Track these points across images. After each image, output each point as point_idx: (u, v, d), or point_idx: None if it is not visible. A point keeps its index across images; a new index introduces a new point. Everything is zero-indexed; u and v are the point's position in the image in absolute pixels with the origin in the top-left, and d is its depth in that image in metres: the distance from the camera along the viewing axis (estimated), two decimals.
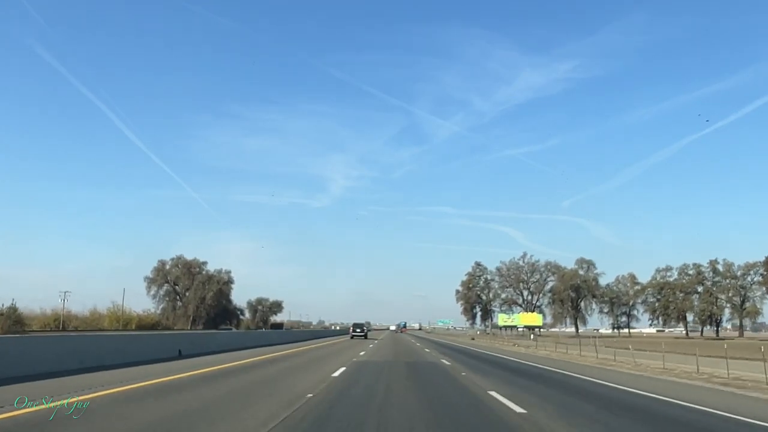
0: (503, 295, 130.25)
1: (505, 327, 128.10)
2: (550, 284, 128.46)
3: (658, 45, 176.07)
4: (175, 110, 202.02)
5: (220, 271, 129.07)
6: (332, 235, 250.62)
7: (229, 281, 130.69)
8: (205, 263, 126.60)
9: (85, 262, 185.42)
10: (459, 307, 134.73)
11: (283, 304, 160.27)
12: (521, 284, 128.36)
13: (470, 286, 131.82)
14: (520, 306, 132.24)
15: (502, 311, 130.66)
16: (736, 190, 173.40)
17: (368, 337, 64.95)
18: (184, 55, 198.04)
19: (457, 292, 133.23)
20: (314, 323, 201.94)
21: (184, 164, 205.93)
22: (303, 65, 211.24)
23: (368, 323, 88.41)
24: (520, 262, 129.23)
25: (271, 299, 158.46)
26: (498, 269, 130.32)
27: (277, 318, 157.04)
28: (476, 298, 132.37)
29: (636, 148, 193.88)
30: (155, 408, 8.55)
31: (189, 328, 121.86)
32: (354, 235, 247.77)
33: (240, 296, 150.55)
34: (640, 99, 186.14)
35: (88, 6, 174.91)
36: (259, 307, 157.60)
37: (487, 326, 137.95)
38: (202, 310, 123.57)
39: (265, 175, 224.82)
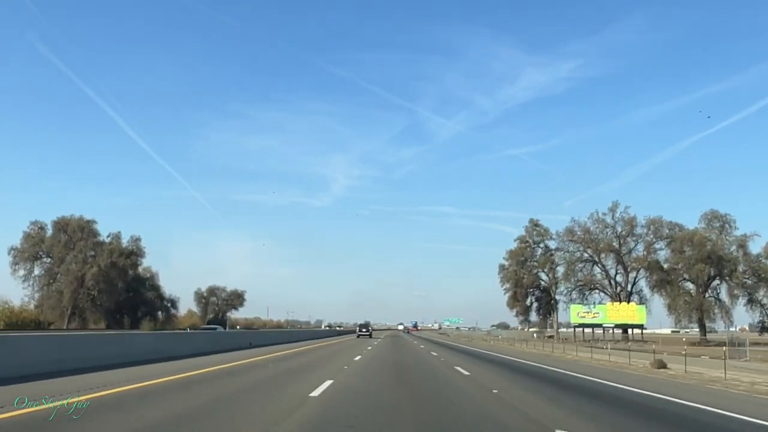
0: (579, 274, 78.66)
1: (582, 326, 77.54)
2: (661, 255, 76.61)
3: (662, 44, 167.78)
4: (176, 109, 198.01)
5: (117, 237, 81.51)
6: (333, 235, 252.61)
7: (137, 253, 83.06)
8: (93, 222, 79.24)
9: None
10: (503, 295, 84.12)
11: (245, 296, 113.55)
12: (611, 255, 76.52)
13: (522, 259, 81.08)
14: (606, 293, 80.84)
15: (573, 300, 79.81)
16: (740, 189, 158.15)
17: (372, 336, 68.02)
18: (185, 52, 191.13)
19: (502, 268, 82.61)
20: (312, 323, 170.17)
21: (185, 163, 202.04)
22: (304, 63, 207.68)
23: (367, 323, 77.49)
24: (608, 218, 77.51)
25: (229, 289, 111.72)
26: (569, 230, 78.84)
27: (232, 315, 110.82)
28: (533, 280, 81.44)
29: (639, 148, 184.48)
30: None
31: (65, 326, 75.97)
32: (355, 235, 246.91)
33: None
34: (643, 98, 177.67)
35: (89, 5, 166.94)
36: (212, 299, 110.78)
37: (550, 323, 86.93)
38: (83, 298, 76.52)
39: (266, 174, 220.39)
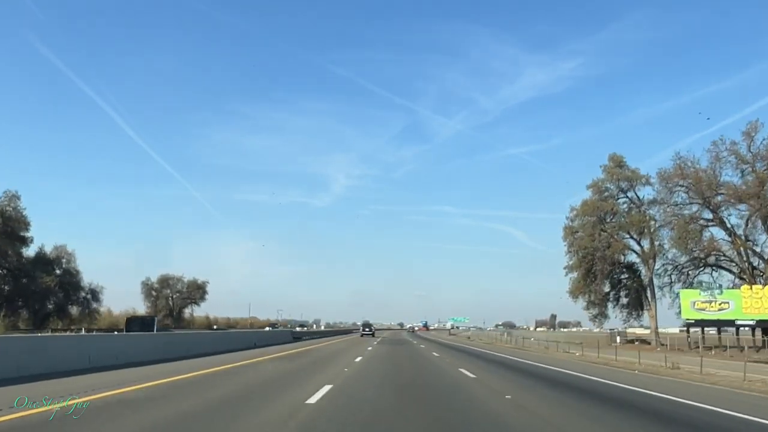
0: (695, 242, 48.81)
1: (699, 323, 48.38)
2: None
3: (662, 44, 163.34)
4: (176, 109, 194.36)
5: None
6: (333, 234, 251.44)
7: (17, 220, 56.26)
8: None
9: (82, 261, 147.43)
10: (564, 276, 55.23)
11: (207, 288, 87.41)
12: (752, 202, 46.29)
13: (600, 216, 51.97)
14: (732, 272, 51.29)
15: (671, 284, 50.86)
16: None
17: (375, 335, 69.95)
18: (185, 52, 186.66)
19: (569, 232, 53.29)
20: (311, 322, 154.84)
21: (185, 163, 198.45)
22: (305, 63, 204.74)
23: (369, 323, 77.00)
24: (742, 149, 47.32)
25: (187, 278, 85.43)
26: (678, 169, 48.94)
27: (187, 312, 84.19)
28: (620, 249, 52.13)
29: (640, 147, 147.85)
30: None
31: None
32: (355, 234, 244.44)
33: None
34: (645, 97, 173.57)
35: (89, 5, 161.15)
36: (165, 292, 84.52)
37: (639, 317, 57.79)
38: None
39: (267, 174, 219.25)
